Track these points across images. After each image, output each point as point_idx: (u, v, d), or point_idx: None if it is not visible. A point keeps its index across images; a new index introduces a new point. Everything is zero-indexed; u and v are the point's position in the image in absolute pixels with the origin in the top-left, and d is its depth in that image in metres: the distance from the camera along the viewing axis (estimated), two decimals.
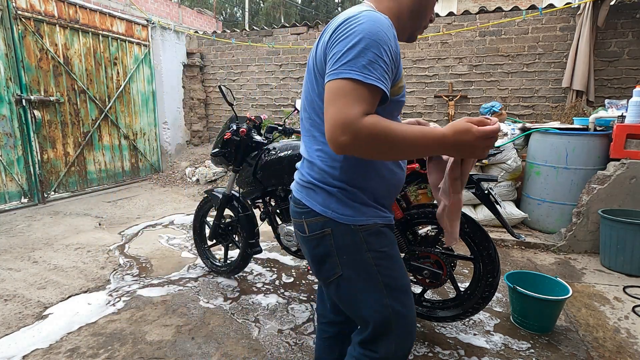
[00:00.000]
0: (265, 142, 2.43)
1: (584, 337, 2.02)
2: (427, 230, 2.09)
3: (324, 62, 0.90)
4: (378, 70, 0.80)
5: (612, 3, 4.10)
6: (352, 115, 0.77)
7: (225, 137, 2.39)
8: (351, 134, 0.77)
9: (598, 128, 3.32)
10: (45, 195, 4.62)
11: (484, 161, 3.60)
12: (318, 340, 1.34)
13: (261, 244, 2.67)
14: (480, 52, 4.82)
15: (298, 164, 1.12)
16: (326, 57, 0.88)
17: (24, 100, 4.30)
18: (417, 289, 2.30)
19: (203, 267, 2.85)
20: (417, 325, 2.13)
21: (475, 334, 2.04)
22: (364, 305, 0.99)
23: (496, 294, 2.35)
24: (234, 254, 2.81)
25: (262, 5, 23.00)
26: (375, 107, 0.82)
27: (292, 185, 1.09)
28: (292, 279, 2.70)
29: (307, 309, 2.29)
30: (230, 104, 2.38)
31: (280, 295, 2.46)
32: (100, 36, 5.18)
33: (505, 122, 4.20)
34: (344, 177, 0.96)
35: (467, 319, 2.16)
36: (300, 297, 2.43)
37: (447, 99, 5.02)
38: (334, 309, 1.28)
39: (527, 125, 3.84)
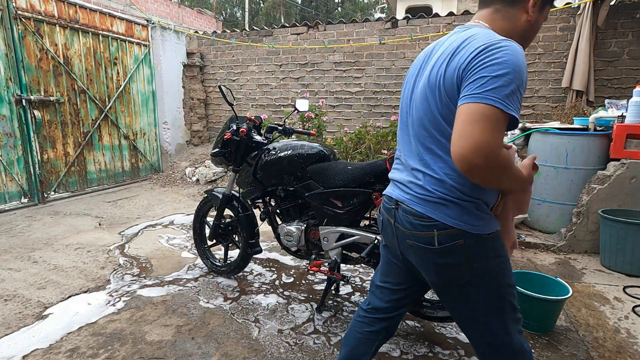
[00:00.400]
0: (265, 142, 2.43)
1: (584, 337, 2.02)
2: None
3: (456, 84, 0.94)
4: (516, 101, 0.87)
5: (612, 3, 4.09)
6: (494, 144, 0.85)
7: (225, 137, 2.39)
8: (487, 160, 0.85)
9: (598, 128, 3.32)
10: (45, 195, 4.62)
11: None
12: (355, 333, 1.34)
13: (261, 244, 2.67)
14: None
15: (401, 177, 1.15)
16: (462, 80, 0.93)
17: (24, 100, 4.30)
18: None
19: (203, 267, 2.85)
20: (417, 325, 2.13)
21: None
22: (485, 306, 1.07)
23: None
24: (234, 254, 2.81)
25: (262, 5, 23.01)
26: None
27: (407, 199, 1.10)
28: (292, 279, 2.70)
29: (307, 309, 2.29)
30: (230, 104, 2.38)
31: (280, 295, 2.46)
32: (100, 36, 5.18)
33: None
34: (473, 192, 1.02)
35: None
36: (300, 297, 2.43)
37: None
38: (392, 308, 1.30)
39: (527, 125, 3.83)
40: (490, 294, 1.07)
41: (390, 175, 1.22)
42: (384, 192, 1.22)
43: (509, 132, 3.84)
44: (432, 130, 1.03)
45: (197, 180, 5.64)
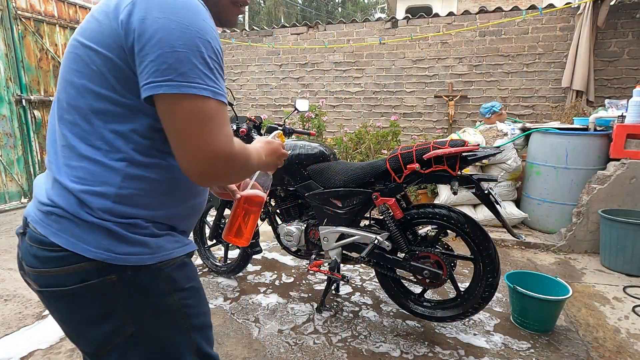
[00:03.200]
0: None
1: (584, 337, 2.02)
2: (427, 230, 2.09)
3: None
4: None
5: (612, 3, 4.09)
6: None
7: None
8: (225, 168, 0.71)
9: (598, 128, 3.32)
10: None
11: (484, 161, 3.60)
12: None
13: (261, 244, 2.68)
14: (480, 52, 4.82)
15: (41, 187, 0.78)
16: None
17: (24, 100, 4.30)
18: (417, 289, 2.30)
19: (203, 267, 2.85)
20: (417, 325, 2.13)
21: (475, 334, 2.04)
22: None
23: (496, 294, 2.35)
24: (234, 254, 2.81)
25: (262, 5, 23.01)
26: None
27: (32, 214, 0.75)
28: (292, 279, 2.70)
29: (307, 309, 2.29)
30: (230, 104, 2.37)
31: (280, 295, 2.46)
32: None
33: (505, 122, 4.20)
34: (131, 206, 0.73)
35: (467, 319, 2.16)
36: (300, 297, 2.44)
37: (447, 99, 5.01)
38: None
39: (527, 125, 3.83)
40: (166, 347, 0.76)
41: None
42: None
43: (509, 133, 3.84)
44: (76, 116, 0.73)
45: None
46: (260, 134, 2.53)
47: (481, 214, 3.55)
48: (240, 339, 1.99)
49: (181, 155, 0.67)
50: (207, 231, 2.80)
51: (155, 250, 0.74)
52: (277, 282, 2.64)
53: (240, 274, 2.75)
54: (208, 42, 0.66)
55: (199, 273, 2.77)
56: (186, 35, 0.64)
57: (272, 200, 2.52)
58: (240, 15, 0.90)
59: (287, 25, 5.93)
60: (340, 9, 24.64)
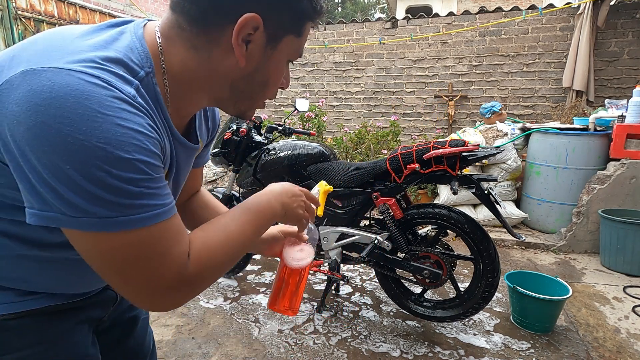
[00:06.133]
0: (265, 142, 2.43)
1: (584, 337, 2.02)
2: (427, 230, 2.09)
3: None
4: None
5: (612, 3, 4.09)
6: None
7: (225, 137, 2.39)
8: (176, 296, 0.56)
9: (598, 128, 3.32)
10: None
11: (484, 161, 3.60)
12: None
13: None
14: (480, 52, 4.82)
15: None
16: None
17: None
18: (417, 289, 2.30)
19: None
20: (417, 325, 2.13)
21: (475, 334, 2.04)
22: None
23: (496, 294, 2.35)
24: None
25: None
26: None
27: None
28: None
29: (307, 309, 2.29)
30: None
31: None
32: None
33: (505, 122, 4.20)
34: None
35: (467, 319, 2.16)
36: None
37: (447, 99, 5.01)
38: None
39: (527, 125, 3.83)
40: None
41: None
42: None
43: (509, 133, 3.84)
44: None
45: None
46: (260, 134, 2.53)
47: (481, 214, 3.55)
48: (240, 338, 1.99)
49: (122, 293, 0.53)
50: None
51: None
52: None
53: (240, 274, 2.75)
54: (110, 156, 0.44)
55: None
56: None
57: None
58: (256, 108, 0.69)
59: None
60: (339, 9, 24.65)
